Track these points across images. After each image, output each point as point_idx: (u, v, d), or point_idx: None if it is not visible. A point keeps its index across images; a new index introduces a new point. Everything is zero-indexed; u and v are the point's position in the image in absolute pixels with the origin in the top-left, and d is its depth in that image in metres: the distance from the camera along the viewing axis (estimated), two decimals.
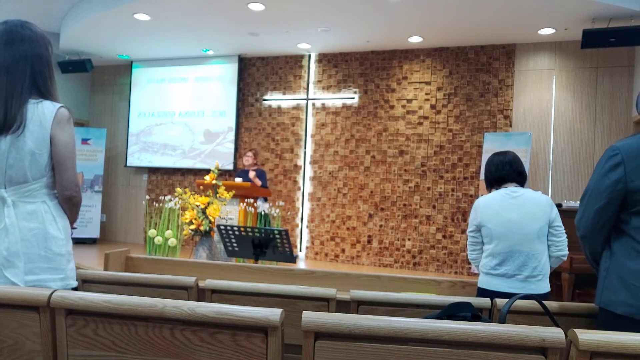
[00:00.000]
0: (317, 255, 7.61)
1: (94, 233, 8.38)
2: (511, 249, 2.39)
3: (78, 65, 7.83)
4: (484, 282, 2.46)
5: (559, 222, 2.47)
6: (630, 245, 1.64)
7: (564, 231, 2.48)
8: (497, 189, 2.57)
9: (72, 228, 1.90)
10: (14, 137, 1.69)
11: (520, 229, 2.39)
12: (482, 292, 2.43)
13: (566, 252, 2.48)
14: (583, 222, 1.76)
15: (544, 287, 2.41)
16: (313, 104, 7.79)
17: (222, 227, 3.71)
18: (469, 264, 6.68)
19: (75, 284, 1.83)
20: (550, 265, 2.46)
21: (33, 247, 1.71)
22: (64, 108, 1.78)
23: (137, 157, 8.68)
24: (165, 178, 8.65)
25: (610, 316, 1.65)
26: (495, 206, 2.47)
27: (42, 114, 1.73)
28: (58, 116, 1.75)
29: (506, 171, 2.54)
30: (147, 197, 7.16)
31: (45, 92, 1.79)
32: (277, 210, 5.62)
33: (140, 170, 8.83)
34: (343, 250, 7.47)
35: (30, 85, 1.75)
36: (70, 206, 1.82)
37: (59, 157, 1.75)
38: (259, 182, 5.77)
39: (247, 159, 6.27)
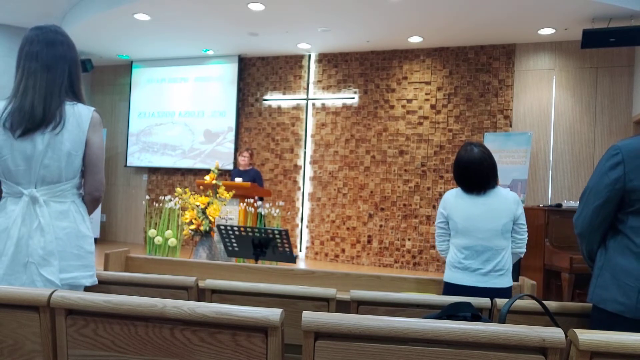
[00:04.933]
0: (317, 255, 7.61)
1: (94, 233, 8.31)
2: (476, 244, 2.43)
3: None
4: (448, 276, 2.50)
5: (523, 220, 2.53)
6: (625, 243, 1.65)
7: (526, 229, 2.55)
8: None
9: None
10: (52, 135, 1.73)
11: (485, 224, 2.44)
12: (448, 287, 2.48)
13: (524, 249, 2.55)
14: (581, 220, 1.77)
15: (507, 281, 2.45)
16: (313, 104, 7.79)
17: (222, 227, 3.70)
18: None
19: (97, 281, 1.88)
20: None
21: (66, 245, 1.76)
22: (97, 112, 1.85)
23: (137, 157, 8.68)
24: (165, 178, 8.65)
25: (602, 314, 1.66)
26: (463, 200, 2.51)
27: (79, 116, 1.78)
28: (93, 119, 1.82)
29: (474, 180, 2.53)
30: (147, 197, 7.16)
31: (78, 95, 1.85)
32: (277, 210, 5.61)
33: (140, 170, 8.83)
34: (343, 250, 7.47)
35: (67, 86, 1.81)
36: (95, 205, 1.90)
37: (93, 159, 1.82)
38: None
39: (244, 159, 6.20)
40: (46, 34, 1.81)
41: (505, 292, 2.40)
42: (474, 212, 2.46)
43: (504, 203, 2.48)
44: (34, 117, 1.71)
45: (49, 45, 1.79)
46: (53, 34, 1.82)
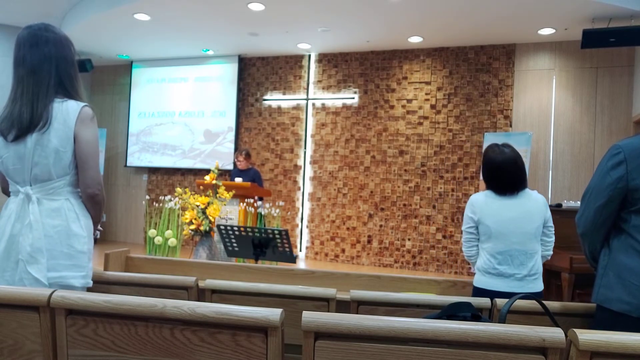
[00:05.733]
0: (317, 255, 7.61)
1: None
2: (510, 247, 2.37)
3: (78, 66, 7.80)
4: (481, 282, 2.43)
5: (551, 222, 2.48)
6: (629, 243, 1.64)
7: (554, 232, 2.51)
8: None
9: (97, 230, 1.93)
10: (39, 134, 1.73)
11: (519, 227, 2.38)
12: (479, 292, 2.39)
13: (552, 252, 2.51)
14: (583, 219, 1.76)
15: (540, 286, 2.41)
16: (313, 104, 7.79)
17: (222, 227, 3.70)
18: (469, 263, 6.68)
19: (91, 283, 1.85)
20: None
21: (56, 243, 1.74)
22: (88, 107, 1.81)
23: (137, 157, 8.68)
24: (165, 178, 8.65)
25: (606, 314, 1.65)
26: (495, 204, 2.44)
27: (66, 112, 1.76)
28: (82, 115, 1.78)
29: (509, 181, 2.47)
30: (147, 197, 7.16)
31: (71, 92, 1.82)
32: (277, 210, 5.61)
33: (140, 170, 8.83)
34: (343, 250, 7.47)
35: (55, 85, 1.79)
36: (93, 204, 1.85)
37: (82, 155, 1.78)
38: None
39: (240, 163, 6.13)
40: (32, 35, 1.79)
41: (539, 297, 2.34)
42: (508, 215, 2.39)
43: (535, 205, 2.43)
44: (22, 123, 1.72)
45: (33, 47, 1.77)
46: (39, 33, 1.80)
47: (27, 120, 1.72)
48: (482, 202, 2.47)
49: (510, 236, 2.37)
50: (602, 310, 1.67)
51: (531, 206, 2.42)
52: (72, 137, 1.76)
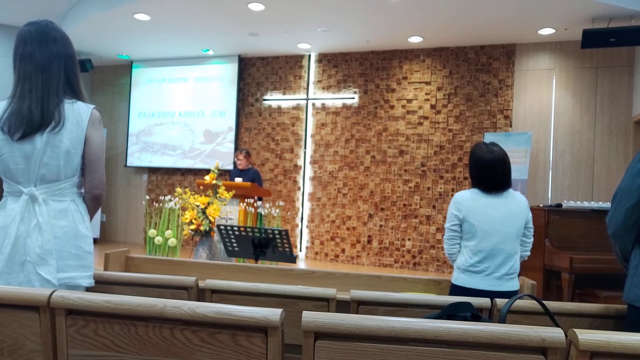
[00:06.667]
0: (317, 255, 7.61)
1: (94, 233, 8.34)
2: (493, 247, 2.40)
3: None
4: (460, 279, 2.45)
5: (531, 223, 2.51)
6: None
7: (533, 233, 2.55)
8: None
9: None
10: (50, 135, 1.72)
11: (503, 227, 2.40)
12: (458, 290, 2.42)
13: (529, 253, 2.54)
14: (614, 220, 1.79)
15: (516, 284, 2.45)
16: (313, 104, 7.79)
17: (222, 227, 3.70)
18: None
19: (94, 282, 1.86)
20: None
21: (64, 245, 1.74)
22: (96, 109, 1.83)
23: (137, 157, 8.69)
24: (165, 178, 8.65)
25: (637, 312, 1.67)
26: (481, 203, 2.45)
27: (78, 114, 1.77)
28: (93, 117, 1.80)
29: (498, 180, 2.48)
30: (147, 197, 7.16)
31: (77, 92, 1.83)
32: (277, 210, 5.61)
33: (140, 170, 8.83)
34: (343, 250, 7.47)
35: (64, 84, 1.79)
36: (96, 204, 1.87)
37: (92, 157, 1.79)
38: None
39: (240, 162, 6.16)
40: (40, 32, 1.77)
41: (515, 295, 2.40)
42: (494, 214, 2.41)
43: (519, 206, 2.46)
44: (33, 120, 1.70)
45: (42, 44, 1.76)
46: (47, 30, 1.78)
47: (39, 118, 1.70)
48: (467, 200, 2.48)
49: (494, 235, 2.40)
50: (633, 309, 1.70)
51: (516, 207, 2.45)
52: (84, 139, 1.77)
